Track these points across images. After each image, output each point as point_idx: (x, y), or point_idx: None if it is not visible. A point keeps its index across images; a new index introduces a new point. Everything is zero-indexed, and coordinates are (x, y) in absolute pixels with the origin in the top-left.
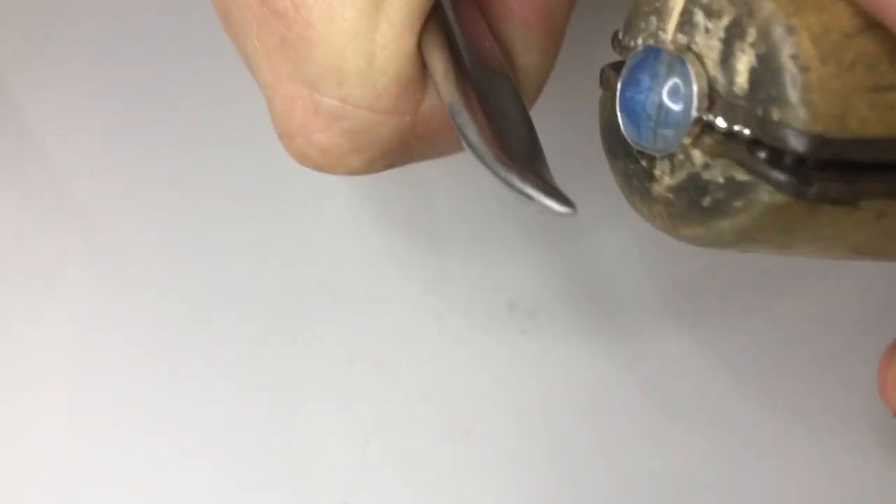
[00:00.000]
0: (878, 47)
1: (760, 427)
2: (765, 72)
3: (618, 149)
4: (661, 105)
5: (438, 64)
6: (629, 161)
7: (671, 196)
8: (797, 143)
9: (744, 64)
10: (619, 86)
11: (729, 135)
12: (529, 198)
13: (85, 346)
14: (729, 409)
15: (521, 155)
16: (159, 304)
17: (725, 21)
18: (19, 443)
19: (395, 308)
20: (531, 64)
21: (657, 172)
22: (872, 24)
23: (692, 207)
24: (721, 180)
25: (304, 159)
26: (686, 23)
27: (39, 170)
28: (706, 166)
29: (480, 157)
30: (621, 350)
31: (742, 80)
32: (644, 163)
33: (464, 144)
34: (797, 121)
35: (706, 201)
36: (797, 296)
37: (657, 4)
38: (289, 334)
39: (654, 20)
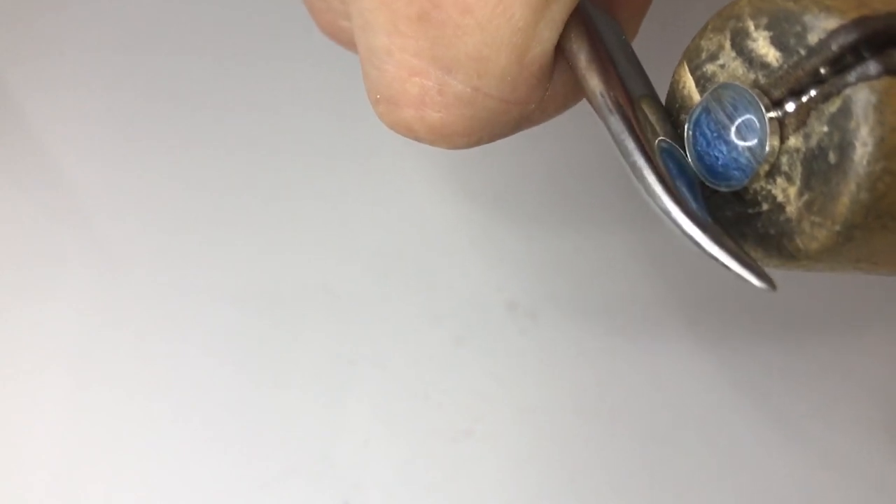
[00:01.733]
0: None
1: (761, 427)
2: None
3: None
4: (738, 154)
5: (583, 55)
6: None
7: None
8: (845, 36)
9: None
10: (691, 124)
11: (799, 99)
12: (726, 267)
13: (85, 346)
14: (729, 409)
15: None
16: (159, 303)
17: (832, 109)
18: (19, 443)
19: (396, 308)
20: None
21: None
22: None
23: (826, 169)
24: (826, 128)
25: (403, 129)
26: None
27: (39, 170)
28: (806, 136)
29: (669, 215)
30: (621, 350)
31: (767, 52)
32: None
33: (639, 189)
34: (830, 22)
35: (831, 156)
36: (797, 295)
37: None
38: (289, 334)
39: (731, 50)
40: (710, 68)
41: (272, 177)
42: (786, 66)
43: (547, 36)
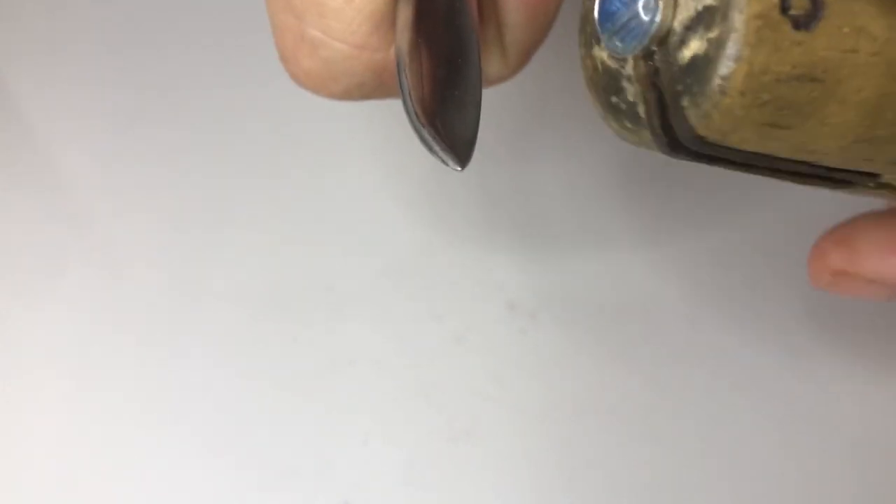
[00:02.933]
0: (799, 96)
1: (761, 427)
2: (700, 67)
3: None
4: (627, 21)
5: (402, 12)
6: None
7: (599, 68)
8: (682, 131)
9: (694, 46)
10: None
11: (654, 76)
12: (431, 149)
13: (85, 346)
14: (729, 409)
15: (451, 98)
16: (159, 303)
17: (707, 2)
18: (19, 443)
19: (395, 308)
20: (518, 34)
21: (602, 43)
22: (809, 77)
23: (605, 91)
24: (630, 99)
25: (295, 80)
26: None
27: (39, 170)
28: (629, 79)
29: (406, 108)
30: (621, 350)
31: (686, 55)
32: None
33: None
34: (693, 119)
35: (613, 99)
36: (797, 296)
37: None
38: (289, 334)
39: None
40: None
41: (272, 177)
42: None
43: None
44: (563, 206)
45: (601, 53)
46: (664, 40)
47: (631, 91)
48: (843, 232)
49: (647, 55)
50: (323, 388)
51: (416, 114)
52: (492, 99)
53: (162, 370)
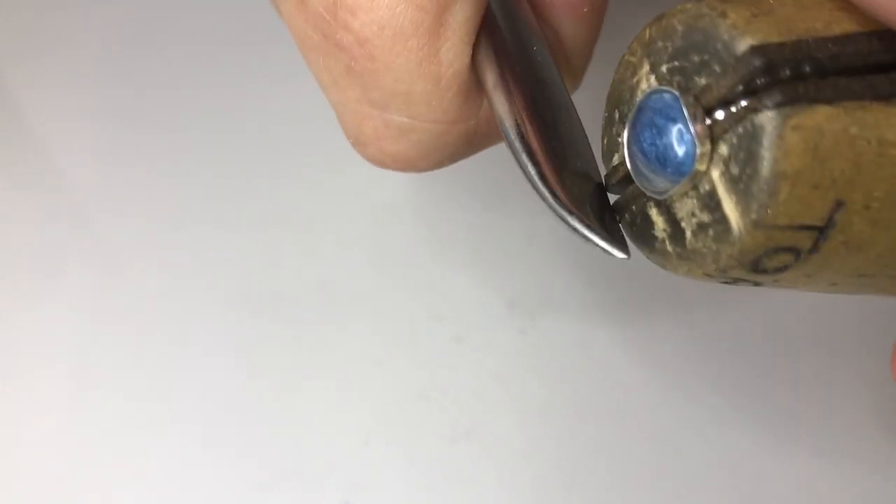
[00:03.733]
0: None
1: (761, 427)
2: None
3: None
4: (664, 161)
5: (489, 76)
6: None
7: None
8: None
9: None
10: (649, 103)
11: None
12: (587, 239)
13: (85, 346)
14: (729, 409)
15: (580, 180)
16: (159, 303)
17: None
18: (19, 442)
19: (396, 308)
20: (576, 39)
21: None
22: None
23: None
24: (734, 152)
25: (377, 163)
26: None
27: (39, 170)
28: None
29: (537, 191)
30: (621, 349)
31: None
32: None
33: (526, 179)
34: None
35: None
36: (797, 297)
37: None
38: (289, 334)
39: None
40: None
41: (272, 177)
42: (711, 80)
43: (453, 58)
44: None
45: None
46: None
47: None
48: None
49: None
50: (323, 388)
51: (557, 203)
52: None
53: (162, 370)
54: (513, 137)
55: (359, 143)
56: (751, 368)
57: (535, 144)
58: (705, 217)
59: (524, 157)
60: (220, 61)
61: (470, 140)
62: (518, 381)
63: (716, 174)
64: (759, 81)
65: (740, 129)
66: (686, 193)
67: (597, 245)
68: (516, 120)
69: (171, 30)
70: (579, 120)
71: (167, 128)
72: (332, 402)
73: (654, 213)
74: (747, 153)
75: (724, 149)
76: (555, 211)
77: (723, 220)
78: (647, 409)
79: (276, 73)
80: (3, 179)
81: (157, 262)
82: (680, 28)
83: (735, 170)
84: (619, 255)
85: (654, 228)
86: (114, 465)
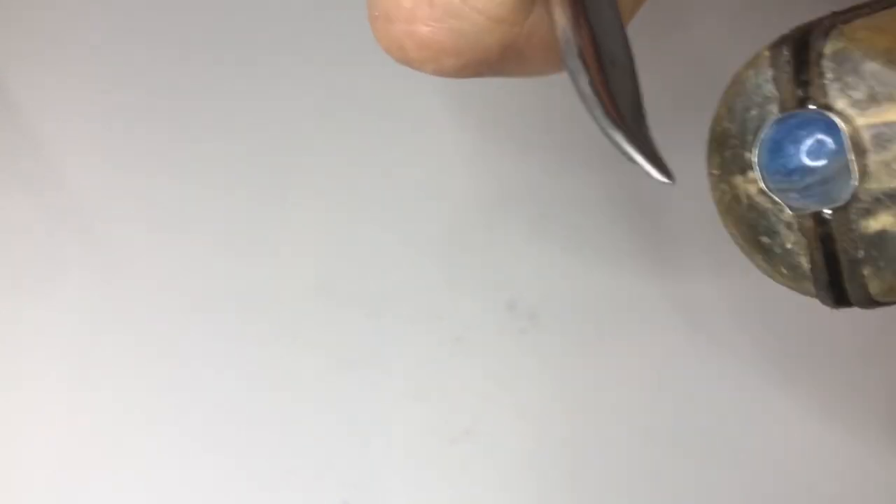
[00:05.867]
0: None
1: (761, 427)
2: (889, 241)
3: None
4: (808, 181)
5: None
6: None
7: (746, 202)
8: (857, 294)
9: (883, 220)
10: (797, 116)
11: (823, 229)
12: (633, 160)
13: (85, 346)
14: (729, 410)
15: (626, 103)
16: (159, 303)
17: None
18: (19, 443)
19: (395, 308)
20: None
21: (751, 174)
22: None
23: (752, 227)
24: (788, 246)
25: (395, 47)
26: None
27: (39, 170)
28: (788, 226)
29: (589, 109)
30: (621, 350)
31: (872, 226)
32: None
33: (575, 91)
34: (873, 289)
35: (764, 239)
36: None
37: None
38: (289, 334)
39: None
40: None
41: (271, 177)
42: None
43: None
44: (564, 206)
45: (747, 186)
46: (846, 205)
47: (791, 239)
48: None
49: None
50: (323, 388)
51: (608, 119)
52: (492, 99)
53: (162, 370)
54: (571, 49)
55: (385, 18)
56: (752, 368)
57: (589, 55)
58: None
59: (578, 63)
60: (220, 62)
61: (505, 51)
62: (518, 381)
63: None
64: None
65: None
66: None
67: (642, 167)
68: (575, 33)
69: (171, 31)
70: (636, 75)
71: (167, 128)
72: (332, 402)
73: None
74: None
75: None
76: (602, 126)
77: None
78: (647, 409)
79: (277, 75)
80: (3, 180)
81: (157, 262)
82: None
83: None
84: (661, 178)
85: None
86: (113, 465)
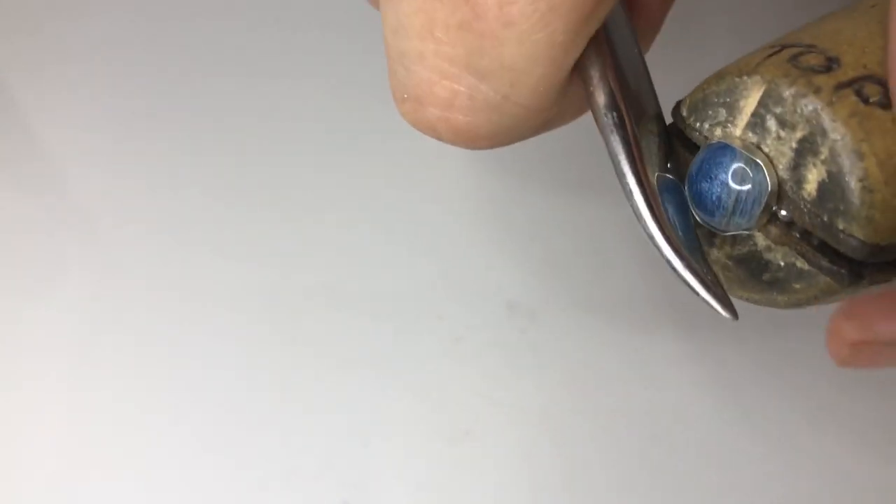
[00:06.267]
0: None
1: (759, 428)
2: (833, 187)
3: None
4: (735, 198)
5: (595, 67)
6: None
7: (730, 263)
8: (857, 251)
9: (813, 175)
10: (692, 172)
11: (792, 228)
12: (695, 293)
13: (85, 346)
14: (728, 410)
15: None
16: (159, 304)
17: (798, 134)
18: (19, 443)
19: (395, 308)
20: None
21: (717, 240)
22: None
23: (751, 278)
24: (781, 263)
25: (427, 128)
26: (757, 125)
27: (39, 170)
28: (768, 249)
29: (652, 239)
30: (621, 350)
31: (811, 188)
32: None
33: (634, 216)
34: (860, 233)
35: (765, 277)
36: None
37: (727, 99)
38: (289, 334)
39: (723, 112)
40: (714, 119)
41: (271, 177)
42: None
43: (579, 49)
44: (564, 206)
45: (720, 252)
46: (781, 192)
47: (778, 256)
48: (853, 305)
49: (772, 216)
50: (323, 388)
51: (674, 252)
52: None
53: (162, 370)
54: (618, 150)
55: (416, 102)
56: (751, 368)
57: (640, 168)
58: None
59: (633, 185)
60: (219, 63)
61: (539, 128)
62: (517, 381)
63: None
64: None
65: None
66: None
67: (704, 300)
68: (618, 122)
69: (171, 32)
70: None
71: (167, 128)
72: (332, 402)
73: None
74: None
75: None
76: (668, 259)
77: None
78: (646, 409)
79: (277, 76)
80: (4, 180)
81: (157, 262)
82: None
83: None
84: (725, 313)
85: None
86: (114, 465)
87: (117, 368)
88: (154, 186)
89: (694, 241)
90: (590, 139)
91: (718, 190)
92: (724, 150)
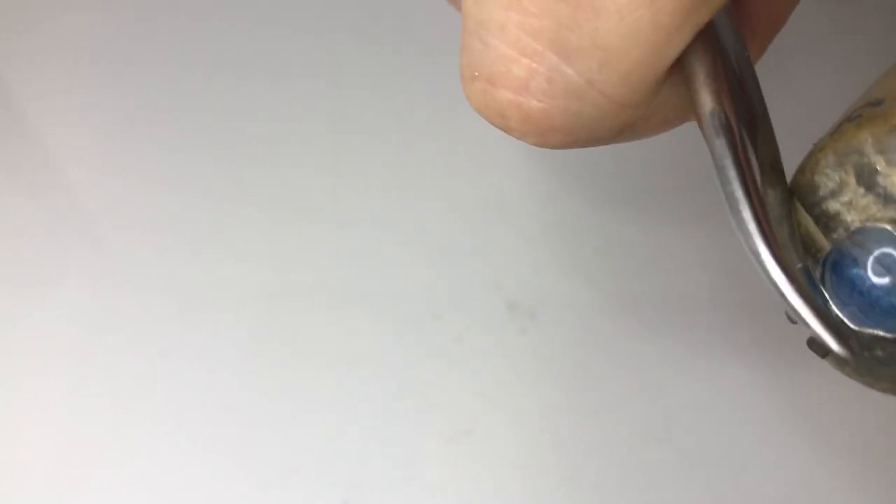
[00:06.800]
0: None
1: (759, 427)
2: None
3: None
4: None
5: (700, 70)
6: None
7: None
8: None
9: None
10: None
11: None
12: (807, 324)
13: (85, 346)
14: (728, 410)
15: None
16: (159, 304)
17: None
18: (19, 442)
19: (395, 308)
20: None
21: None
22: None
23: None
24: None
25: (494, 114)
26: None
27: (39, 170)
28: None
29: (757, 257)
30: (621, 350)
31: None
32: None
33: (732, 222)
34: None
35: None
36: None
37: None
38: (289, 334)
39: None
40: (833, 206)
41: (272, 177)
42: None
43: (685, 40)
44: (564, 206)
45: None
46: None
47: None
48: None
49: None
50: (323, 388)
51: (787, 279)
52: None
53: (162, 370)
54: (723, 154)
55: (488, 82)
56: (750, 368)
57: (749, 177)
58: None
59: (741, 194)
60: (219, 63)
61: (621, 132)
62: (518, 381)
63: None
64: None
65: None
66: None
67: (816, 333)
68: (726, 124)
69: (171, 32)
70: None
71: (167, 129)
72: (332, 402)
73: None
74: None
75: None
76: (768, 273)
77: None
78: (645, 409)
79: (277, 77)
80: (4, 180)
81: (157, 262)
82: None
83: None
84: (839, 349)
85: None
86: (114, 465)
87: (117, 368)
88: (154, 186)
89: (810, 283)
90: None
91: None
92: (870, 233)
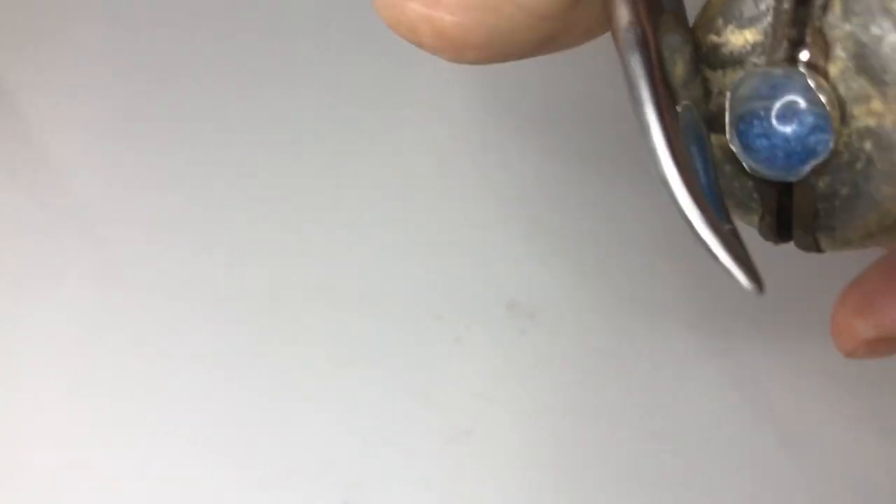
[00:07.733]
0: None
1: (760, 427)
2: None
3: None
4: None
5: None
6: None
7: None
8: (804, 244)
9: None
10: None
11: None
12: (717, 260)
13: (85, 346)
14: (729, 409)
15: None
16: (159, 303)
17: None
18: (20, 442)
19: (395, 308)
20: None
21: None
22: None
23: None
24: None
25: (406, 30)
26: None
27: (39, 170)
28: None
29: (666, 184)
30: (621, 350)
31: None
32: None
33: (650, 167)
34: (824, 244)
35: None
36: (798, 295)
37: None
38: (289, 334)
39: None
40: (732, 41)
41: (271, 177)
42: (767, 36)
43: None
44: (564, 206)
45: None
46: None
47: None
48: (858, 298)
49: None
50: (323, 388)
51: (698, 212)
52: (494, 100)
53: (162, 370)
54: (638, 73)
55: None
56: (751, 367)
57: (662, 98)
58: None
59: (652, 116)
60: (219, 63)
61: (540, 46)
62: (518, 381)
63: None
64: None
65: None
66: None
67: (727, 269)
68: (641, 39)
69: (171, 32)
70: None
71: (167, 129)
72: (331, 402)
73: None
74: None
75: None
76: (677, 202)
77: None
78: (646, 409)
79: (277, 77)
80: (4, 180)
81: (157, 262)
82: None
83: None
84: (748, 284)
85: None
86: (113, 465)
87: (117, 368)
88: (154, 186)
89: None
90: (591, 138)
91: (774, 137)
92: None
